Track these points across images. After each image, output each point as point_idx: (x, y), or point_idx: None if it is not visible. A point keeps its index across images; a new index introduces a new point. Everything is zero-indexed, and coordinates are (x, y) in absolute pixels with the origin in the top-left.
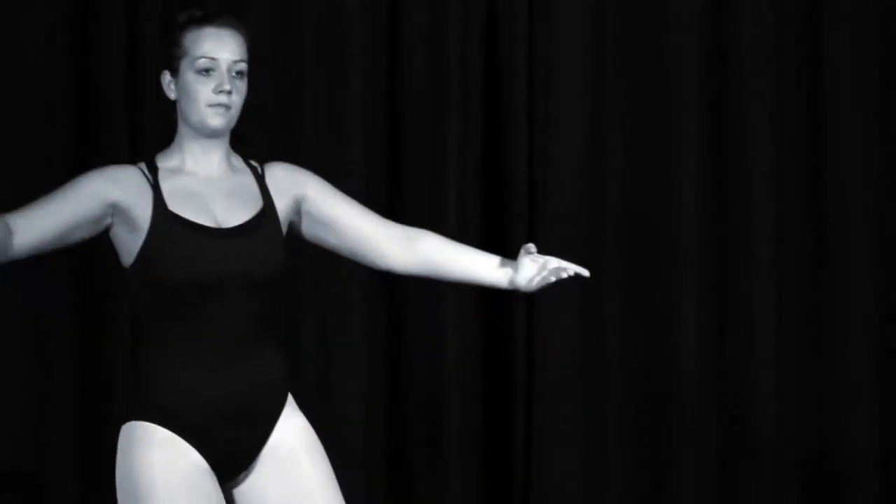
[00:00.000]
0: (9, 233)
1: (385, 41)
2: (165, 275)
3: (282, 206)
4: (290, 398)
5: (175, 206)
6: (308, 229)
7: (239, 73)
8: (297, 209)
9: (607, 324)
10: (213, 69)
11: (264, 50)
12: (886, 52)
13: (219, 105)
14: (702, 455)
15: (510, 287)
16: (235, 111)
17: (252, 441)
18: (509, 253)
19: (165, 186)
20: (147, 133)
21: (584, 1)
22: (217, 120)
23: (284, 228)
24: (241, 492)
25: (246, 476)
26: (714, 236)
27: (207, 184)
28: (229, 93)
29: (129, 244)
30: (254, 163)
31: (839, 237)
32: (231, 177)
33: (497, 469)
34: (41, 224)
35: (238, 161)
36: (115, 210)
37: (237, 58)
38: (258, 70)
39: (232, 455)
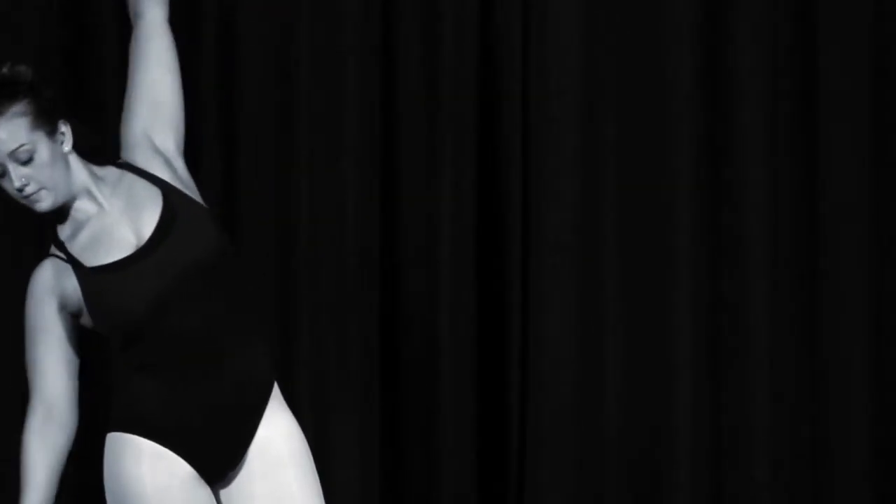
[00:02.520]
0: (57, 412)
1: (379, 50)
2: (118, 321)
3: (163, 168)
4: (276, 390)
5: (91, 259)
6: (169, 123)
7: (25, 160)
8: (159, 139)
9: (603, 325)
10: (4, 171)
11: (259, 56)
12: (882, 53)
13: (28, 196)
14: (697, 460)
15: None
16: (51, 184)
17: (238, 439)
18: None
19: (76, 251)
20: None
21: (579, 8)
22: (39, 206)
23: (187, 188)
24: (227, 492)
25: (233, 476)
26: (709, 241)
27: (104, 218)
28: (26, 185)
29: (83, 313)
30: (119, 162)
31: (834, 239)
32: (115, 193)
33: (491, 467)
34: (52, 373)
35: (108, 172)
36: (63, 307)
37: (13, 147)
38: (254, 76)
39: (219, 456)
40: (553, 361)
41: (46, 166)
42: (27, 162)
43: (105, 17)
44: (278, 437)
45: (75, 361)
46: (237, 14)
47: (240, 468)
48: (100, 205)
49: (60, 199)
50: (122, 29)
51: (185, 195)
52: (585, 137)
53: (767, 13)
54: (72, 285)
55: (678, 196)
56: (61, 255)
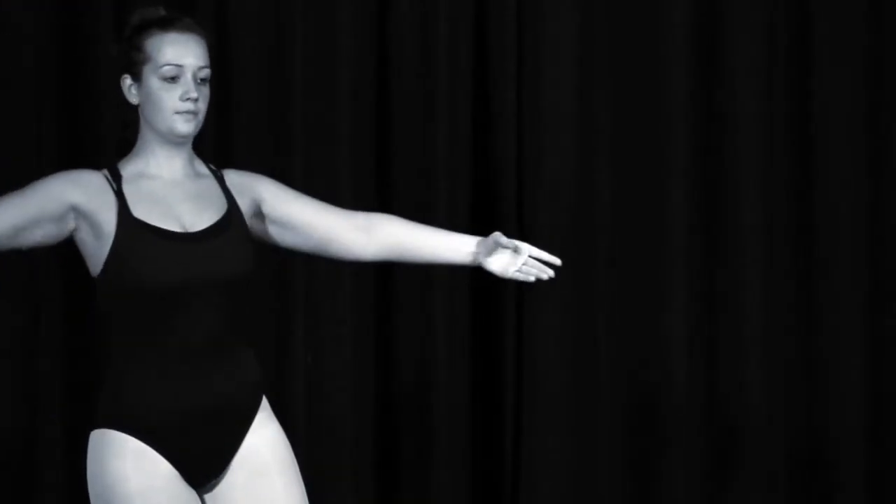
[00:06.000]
0: None
1: (374, 43)
2: (134, 282)
3: (244, 208)
4: (264, 402)
5: (140, 212)
6: (268, 231)
7: (203, 79)
8: (257, 211)
9: (597, 324)
10: (179, 76)
11: (253, 52)
12: (877, 52)
13: (186, 112)
14: (690, 456)
15: (475, 265)
16: (202, 116)
17: (224, 447)
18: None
19: (129, 193)
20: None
21: (574, 2)
22: (185, 126)
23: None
24: (210, 497)
25: (216, 483)
26: (704, 239)
27: (172, 188)
28: (196, 100)
29: (96, 252)
30: (212, 167)
31: (829, 242)
32: (195, 180)
33: (486, 471)
34: (7, 218)
35: (200, 165)
36: (76, 213)
37: (202, 63)
38: (248, 74)
39: (203, 462)
40: (546, 365)
41: (207, 99)
42: (203, 82)
43: (103, 17)
44: (264, 446)
45: (17, 231)
46: (227, 14)
47: (225, 476)
48: (177, 176)
49: (195, 134)
50: (120, 28)
51: (243, 219)
52: (578, 136)
53: (764, 9)
54: (105, 213)
55: (672, 197)
56: (113, 183)
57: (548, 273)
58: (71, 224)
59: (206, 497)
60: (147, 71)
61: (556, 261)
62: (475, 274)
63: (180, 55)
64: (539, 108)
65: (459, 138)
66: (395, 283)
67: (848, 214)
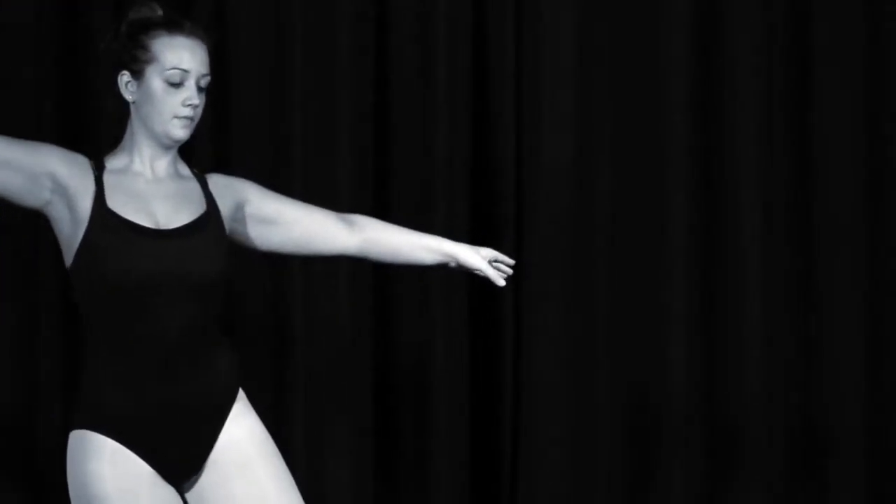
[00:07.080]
0: None
1: (374, 43)
2: (103, 274)
3: (225, 211)
4: (241, 395)
5: (115, 204)
6: (251, 234)
7: (204, 85)
8: (240, 214)
9: (596, 324)
10: (184, 81)
11: (253, 52)
12: (877, 52)
13: (185, 118)
14: (690, 456)
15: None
16: (197, 122)
17: (201, 443)
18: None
19: (109, 184)
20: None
21: (573, 2)
22: (182, 132)
23: (228, 232)
24: (200, 496)
25: (197, 479)
26: (704, 239)
27: (152, 185)
28: (196, 106)
29: (70, 240)
30: (195, 170)
31: (828, 241)
32: (176, 181)
33: (485, 471)
34: None
35: (183, 167)
36: (53, 183)
37: (206, 71)
38: (248, 74)
39: (181, 459)
40: (544, 368)
41: (203, 104)
42: (201, 91)
43: (104, 17)
44: (244, 438)
45: None
46: (227, 18)
47: (209, 472)
48: (160, 175)
49: (186, 138)
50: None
51: (221, 221)
52: (578, 138)
53: (764, 9)
54: (82, 197)
55: (671, 197)
56: (95, 172)
57: (507, 272)
58: (45, 194)
59: (190, 493)
60: (150, 71)
61: (510, 261)
62: (474, 275)
63: (187, 60)
64: (538, 108)
65: (459, 138)
66: (395, 285)
67: (848, 215)
